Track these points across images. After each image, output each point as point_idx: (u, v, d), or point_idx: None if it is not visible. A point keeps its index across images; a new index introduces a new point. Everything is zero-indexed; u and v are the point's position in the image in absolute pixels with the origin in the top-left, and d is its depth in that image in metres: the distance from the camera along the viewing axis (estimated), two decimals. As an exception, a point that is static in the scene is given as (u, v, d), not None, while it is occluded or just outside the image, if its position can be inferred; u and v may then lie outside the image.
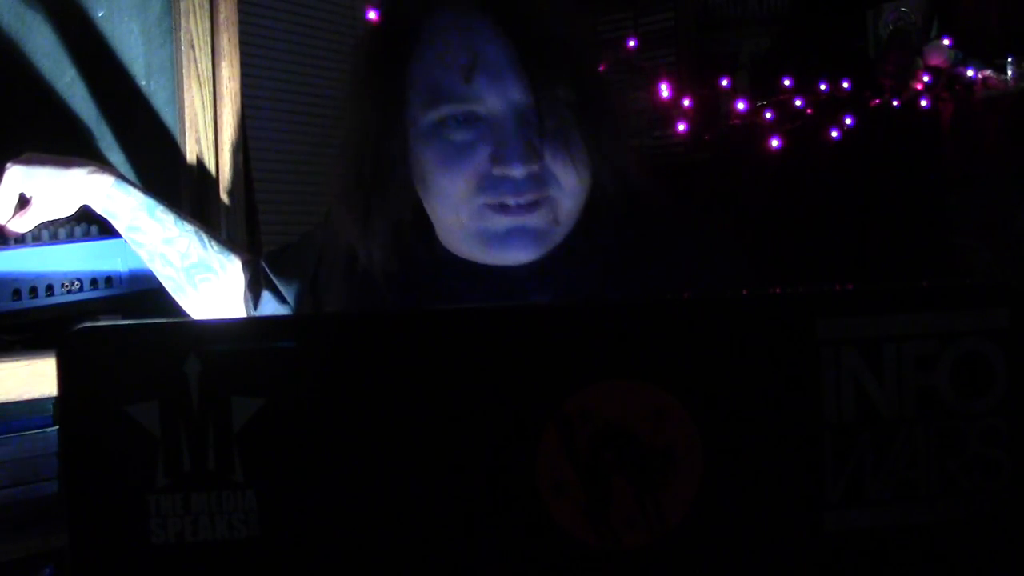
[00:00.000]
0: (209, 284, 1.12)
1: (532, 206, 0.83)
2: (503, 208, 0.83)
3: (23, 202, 1.11)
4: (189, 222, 1.13)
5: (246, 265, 1.13)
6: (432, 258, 0.91)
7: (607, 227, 0.90)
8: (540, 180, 0.82)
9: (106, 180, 1.10)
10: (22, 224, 1.12)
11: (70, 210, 1.12)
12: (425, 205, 0.89)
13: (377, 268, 0.91)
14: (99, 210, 1.12)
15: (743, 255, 0.95)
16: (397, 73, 0.85)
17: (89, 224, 1.23)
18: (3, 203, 1.10)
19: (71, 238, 1.22)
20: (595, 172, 0.87)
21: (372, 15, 2.29)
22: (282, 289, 1.06)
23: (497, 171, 0.82)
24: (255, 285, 1.09)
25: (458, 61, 0.81)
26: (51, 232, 1.21)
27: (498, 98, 0.82)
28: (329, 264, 1.00)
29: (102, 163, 1.16)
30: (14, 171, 1.10)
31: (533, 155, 0.81)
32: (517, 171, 0.81)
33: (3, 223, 1.11)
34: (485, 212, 0.84)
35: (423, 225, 0.91)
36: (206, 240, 1.12)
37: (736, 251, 0.95)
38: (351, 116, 0.90)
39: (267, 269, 1.08)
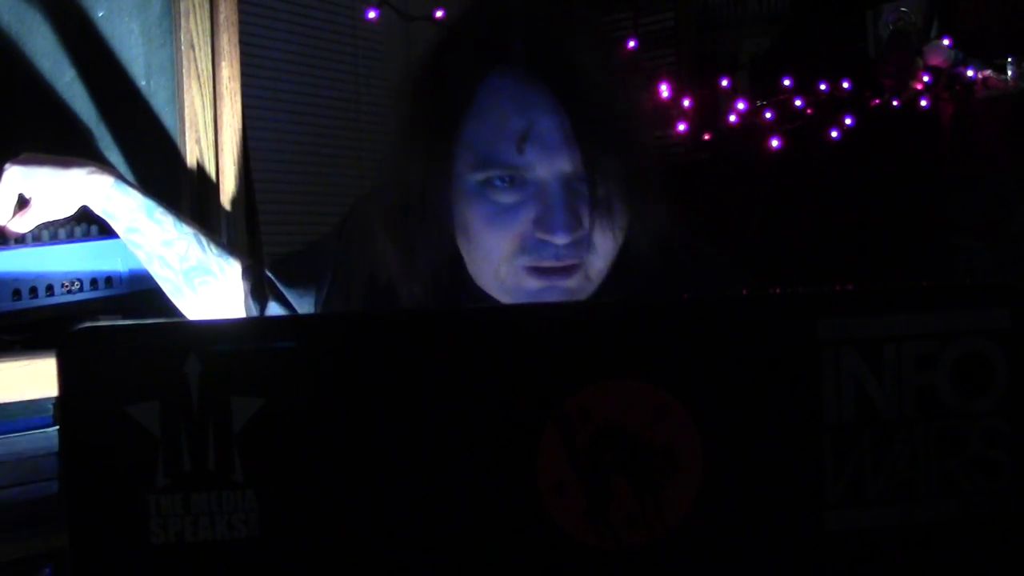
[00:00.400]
0: (208, 287, 1.11)
1: (568, 269, 0.85)
2: (540, 270, 0.85)
3: (22, 202, 1.11)
4: (188, 224, 1.13)
5: (247, 271, 1.12)
6: (466, 299, 0.92)
7: (638, 283, 0.91)
8: (580, 246, 0.84)
9: (105, 181, 1.10)
10: (22, 224, 1.12)
11: (69, 211, 1.12)
12: (464, 255, 0.90)
13: (416, 303, 0.92)
14: (98, 211, 1.11)
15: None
16: (448, 130, 0.86)
17: (89, 224, 1.23)
18: (2, 203, 1.10)
19: (71, 238, 1.22)
20: (631, 234, 0.89)
21: (372, 15, 2.29)
22: (292, 299, 1.05)
23: (540, 235, 0.83)
24: (259, 293, 1.09)
25: (512, 129, 0.82)
26: (51, 232, 1.21)
27: (548, 168, 0.83)
28: (346, 279, 1.00)
29: (102, 164, 1.16)
30: (13, 171, 1.10)
31: (577, 224, 0.83)
32: (560, 239, 0.83)
33: (3, 223, 1.11)
34: (523, 273, 0.86)
35: (455, 263, 0.92)
36: (205, 243, 1.12)
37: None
38: (398, 159, 0.91)
39: (274, 278, 1.07)
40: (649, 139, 0.94)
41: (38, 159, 1.11)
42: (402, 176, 0.90)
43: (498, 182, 0.84)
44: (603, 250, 0.86)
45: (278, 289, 1.06)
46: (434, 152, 0.87)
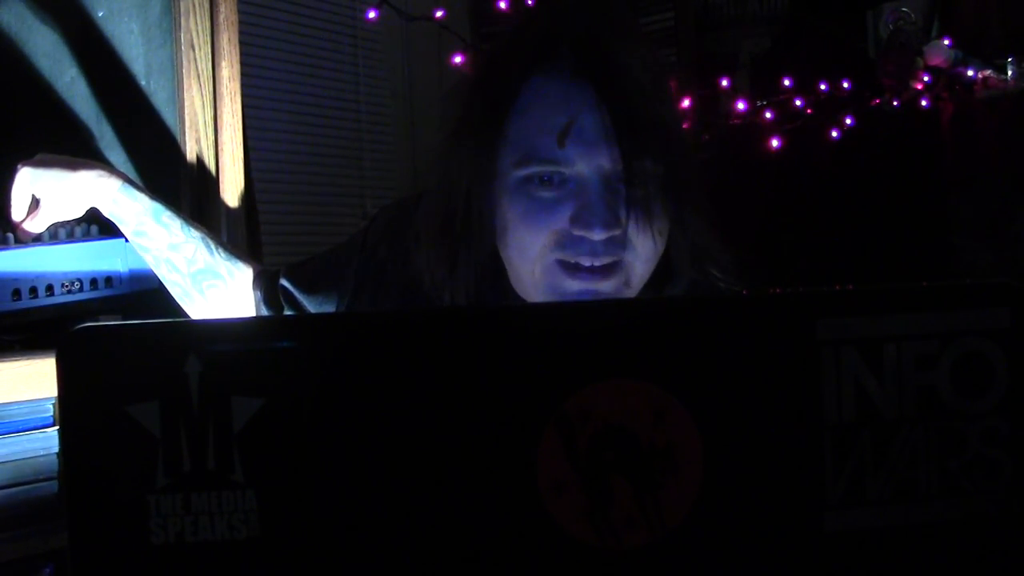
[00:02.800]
0: (216, 291, 1.11)
1: (606, 270, 0.85)
2: (576, 268, 0.85)
3: (35, 203, 1.12)
4: (196, 228, 1.13)
5: (258, 277, 1.12)
6: (499, 300, 0.93)
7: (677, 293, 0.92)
8: (618, 245, 0.85)
9: (113, 184, 1.10)
10: (33, 226, 1.13)
11: (77, 212, 1.12)
12: (502, 255, 0.91)
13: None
14: (106, 213, 1.12)
15: None
16: (493, 130, 0.87)
17: (89, 224, 1.23)
18: (16, 204, 1.11)
19: (71, 238, 1.22)
20: (672, 241, 0.89)
21: (372, 15, 2.29)
22: (310, 307, 1.05)
23: (577, 232, 0.84)
24: (273, 301, 1.08)
25: (554, 125, 0.84)
26: (51, 232, 1.21)
27: (587, 164, 0.84)
28: (373, 289, 1.00)
29: (111, 167, 1.16)
30: (24, 172, 1.11)
31: (615, 221, 0.83)
32: (597, 235, 0.83)
33: (17, 223, 1.12)
34: (558, 270, 0.86)
35: (498, 272, 0.93)
36: (213, 247, 1.12)
37: None
38: (444, 164, 0.93)
39: (290, 286, 1.07)
40: (688, 146, 0.94)
41: (48, 160, 1.12)
42: (449, 176, 0.91)
43: (537, 179, 0.85)
44: (643, 253, 0.86)
45: (293, 296, 1.06)
46: (479, 149, 0.88)
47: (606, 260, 0.85)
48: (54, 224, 1.18)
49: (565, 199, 0.85)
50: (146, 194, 1.12)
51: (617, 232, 0.84)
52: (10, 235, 1.16)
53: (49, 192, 1.10)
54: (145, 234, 1.11)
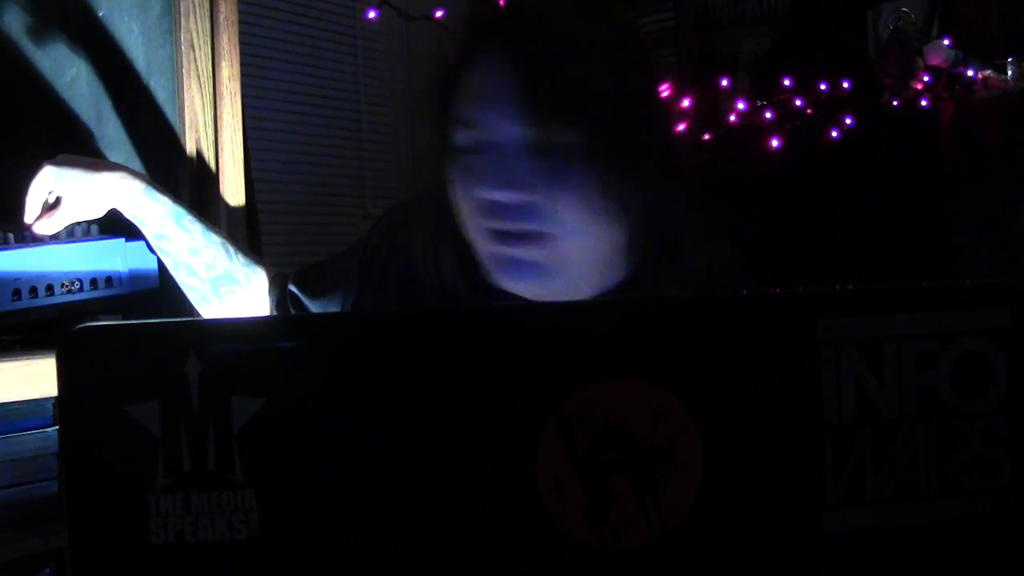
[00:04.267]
0: (234, 296, 1.12)
1: (526, 238, 0.85)
2: (503, 236, 0.86)
3: (55, 202, 1.12)
4: (217, 233, 1.13)
5: (273, 281, 1.13)
6: (483, 288, 0.93)
7: (656, 276, 0.92)
8: (533, 212, 0.85)
9: (135, 187, 1.11)
10: (50, 225, 1.13)
11: (98, 213, 1.13)
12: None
13: (448, 293, 0.94)
14: (128, 216, 1.13)
15: None
16: (443, 106, 0.90)
17: (89, 224, 1.23)
18: (32, 203, 1.11)
19: (71, 238, 1.22)
20: (628, 218, 0.88)
21: (372, 15, 2.29)
22: (314, 310, 1.06)
23: (489, 195, 0.85)
24: (283, 306, 1.09)
25: (479, 90, 0.86)
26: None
27: (504, 129, 0.85)
28: (376, 285, 1.01)
29: (134, 170, 1.16)
30: (46, 171, 1.11)
31: (525, 186, 0.84)
32: (505, 196, 0.84)
33: (30, 223, 1.12)
34: (488, 237, 0.87)
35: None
36: (232, 252, 1.13)
37: None
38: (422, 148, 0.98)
39: (297, 291, 1.07)
40: (656, 128, 0.94)
41: (71, 160, 1.12)
42: (425, 159, 0.94)
43: (464, 145, 0.87)
44: (571, 226, 0.85)
45: (300, 301, 1.07)
46: (434, 129, 0.90)
47: (523, 226, 0.85)
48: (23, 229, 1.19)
49: (482, 164, 0.86)
50: (168, 197, 1.12)
51: (528, 197, 0.84)
52: (10, 235, 1.16)
53: (70, 192, 1.11)
54: (166, 237, 1.11)
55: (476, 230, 0.88)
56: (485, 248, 0.88)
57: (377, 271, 1.01)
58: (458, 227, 0.91)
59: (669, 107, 1.04)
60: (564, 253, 0.87)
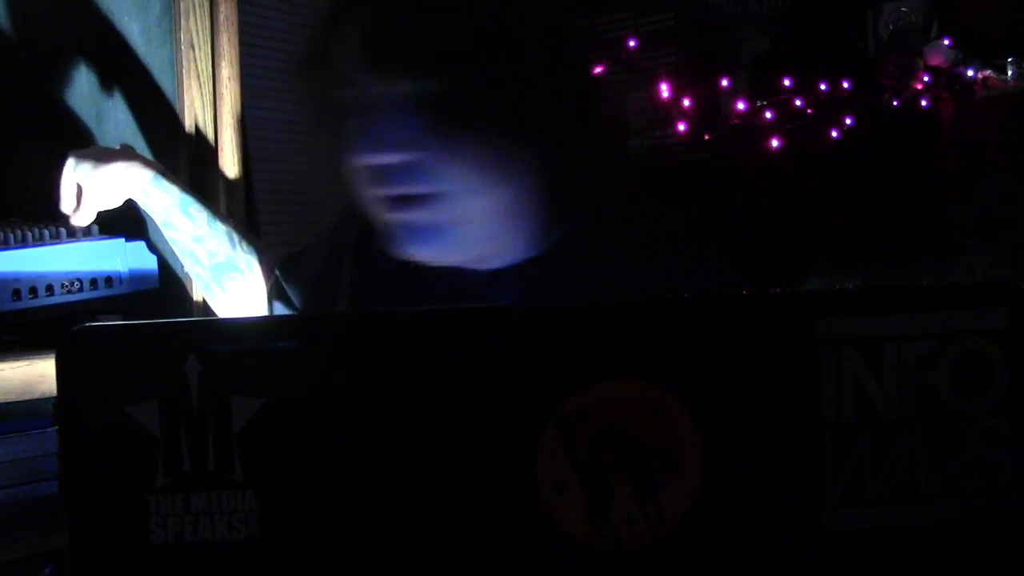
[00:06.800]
0: (235, 284, 1.11)
1: (417, 201, 0.80)
2: (391, 201, 0.81)
3: (79, 193, 1.13)
4: (223, 222, 1.13)
5: (272, 270, 1.13)
6: (381, 259, 0.89)
7: (579, 238, 0.87)
8: (422, 172, 0.79)
9: (144, 175, 1.11)
10: (80, 217, 1.13)
11: (116, 202, 1.13)
12: None
13: (352, 263, 0.93)
14: (140, 204, 1.13)
15: (729, 269, 0.92)
16: (322, 63, 0.83)
17: (89, 224, 1.23)
18: (66, 194, 1.12)
19: (71, 238, 1.22)
20: (534, 174, 0.83)
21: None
22: (292, 297, 1.06)
23: (371, 159, 0.80)
24: (275, 293, 1.09)
25: (358, 45, 0.80)
26: (51, 232, 1.21)
27: (382, 87, 0.79)
28: (337, 266, 1.00)
29: (146, 159, 1.16)
30: (68, 162, 1.12)
31: (406, 144, 0.78)
32: (387, 158, 0.79)
33: (67, 213, 1.13)
34: (380, 205, 0.82)
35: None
36: (236, 240, 1.12)
37: (722, 266, 0.92)
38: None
39: (280, 277, 1.07)
40: (562, 76, 0.84)
41: (89, 152, 1.12)
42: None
43: (354, 110, 0.80)
44: (465, 184, 0.80)
45: (282, 288, 1.07)
46: (312, 91, 0.85)
47: (411, 189, 0.80)
48: (51, 223, 1.19)
49: (360, 127, 0.80)
50: (178, 186, 1.12)
51: (411, 157, 0.78)
52: (10, 235, 1.16)
53: (87, 181, 1.11)
54: (172, 226, 1.11)
55: (365, 198, 0.83)
56: (379, 218, 0.83)
57: (340, 251, 1.00)
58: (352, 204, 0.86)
59: (582, 55, 0.94)
60: (461, 214, 0.81)
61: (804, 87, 2.70)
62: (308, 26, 0.90)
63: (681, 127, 2.76)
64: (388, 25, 0.79)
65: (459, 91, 0.78)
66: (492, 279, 0.88)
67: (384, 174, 0.80)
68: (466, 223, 0.82)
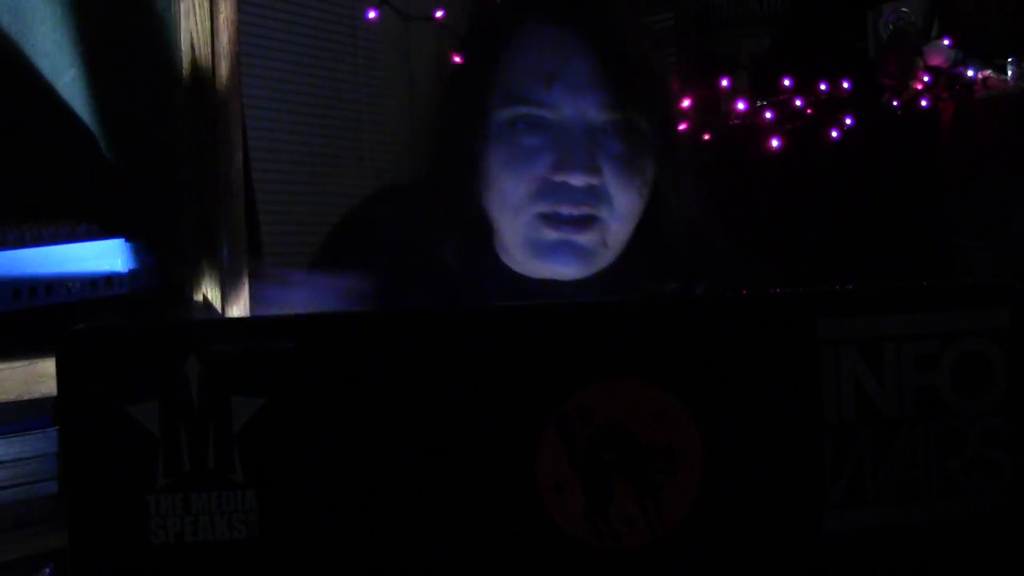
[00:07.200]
0: None
1: (583, 223, 0.85)
2: (556, 220, 0.85)
3: None
4: None
5: None
6: (485, 267, 0.92)
7: (664, 261, 0.92)
8: (596, 195, 0.84)
9: None
10: None
11: None
12: (487, 208, 0.91)
13: (438, 269, 0.92)
14: None
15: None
16: (483, 74, 0.87)
17: (89, 224, 1.23)
18: None
19: (71, 238, 1.22)
20: (659, 204, 0.89)
21: (372, 15, 2.29)
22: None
23: (558, 177, 0.84)
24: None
25: (543, 69, 0.84)
26: (51, 232, 1.21)
27: (572, 108, 0.84)
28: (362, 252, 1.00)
29: None
30: None
31: (594, 168, 0.83)
32: (577, 180, 0.83)
33: None
34: (539, 223, 0.86)
35: (481, 233, 0.92)
36: None
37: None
38: (436, 114, 0.93)
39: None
40: (677, 107, 0.95)
41: None
42: (439, 130, 0.91)
43: (522, 124, 0.85)
44: (621, 210, 0.86)
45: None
46: (469, 93, 0.88)
47: (584, 210, 0.84)
48: (51, 223, 1.18)
49: (546, 146, 0.84)
50: None
51: (596, 181, 0.84)
52: (10, 235, 1.16)
53: None
54: None
55: (522, 214, 0.86)
56: (531, 232, 0.86)
57: (346, 247, 1.01)
58: (463, 211, 0.89)
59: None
60: (611, 238, 0.87)
61: (804, 87, 2.70)
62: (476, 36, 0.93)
63: (681, 127, 2.76)
64: (594, 53, 0.83)
65: (644, 122, 0.85)
66: (580, 287, 0.91)
67: (562, 192, 0.84)
68: (612, 246, 0.88)
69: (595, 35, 0.84)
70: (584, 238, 0.85)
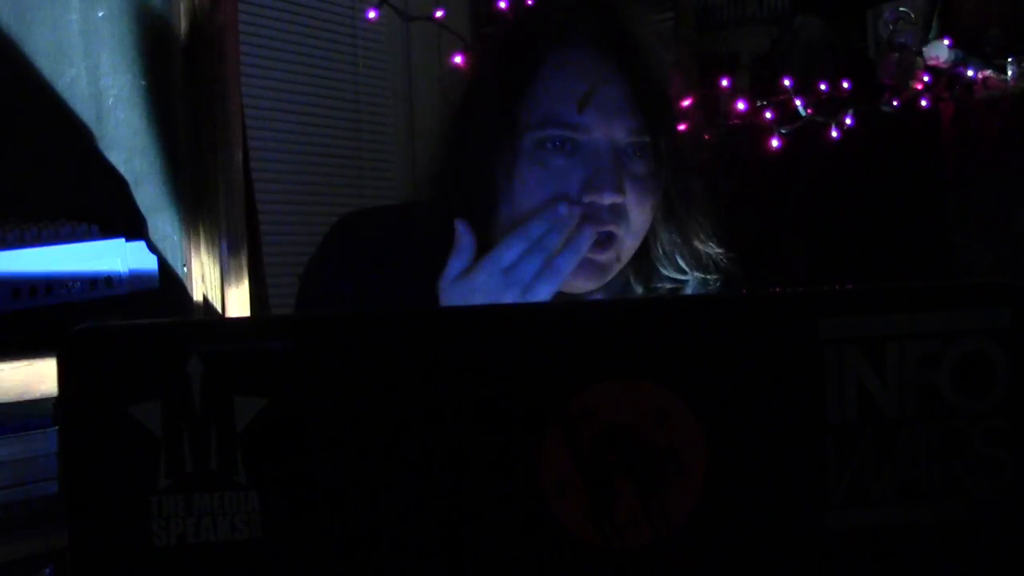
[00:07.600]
0: None
1: (604, 242, 0.87)
2: None
3: None
4: None
5: None
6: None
7: (670, 279, 0.95)
8: (618, 214, 0.87)
9: None
10: None
11: None
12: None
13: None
14: None
15: None
16: (515, 91, 0.89)
17: (89, 224, 1.23)
18: None
19: (71, 238, 1.22)
20: (668, 225, 0.92)
21: (372, 15, 2.29)
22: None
23: (588, 197, 0.86)
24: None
25: (576, 92, 0.86)
26: (51, 232, 1.21)
27: (603, 133, 0.86)
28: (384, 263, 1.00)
29: None
30: None
31: (621, 190, 0.86)
32: (606, 199, 0.86)
33: None
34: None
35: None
36: None
37: None
38: (453, 128, 0.94)
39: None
40: (692, 129, 0.99)
41: None
42: (462, 149, 0.92)
43: (550, 144, 0.87)
44: (635, 228, 0.89)
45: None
46: (500, 111, 0.89)
47: (610, 228, 0.87)
48: (50, 223, 1.18)
49: (575, 167, 0.87)
50: None
51: (620, 201, 0.86)
52: (10, 235, 1.16)
53: None
54: None
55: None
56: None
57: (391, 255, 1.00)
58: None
59: None
60: (623, 254, 0.90)
61: (804, 87, 2.70)
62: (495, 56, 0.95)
63: (681, 127, 2.76)
64: (627, 79, 0.87)
65: (662, 143, 0.88)
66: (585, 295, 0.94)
67: (592, 213, 0.87)
68: (623, 261, 0.91)
69: (626, 61, 0.86)
70: (603, 256, 0.88)
